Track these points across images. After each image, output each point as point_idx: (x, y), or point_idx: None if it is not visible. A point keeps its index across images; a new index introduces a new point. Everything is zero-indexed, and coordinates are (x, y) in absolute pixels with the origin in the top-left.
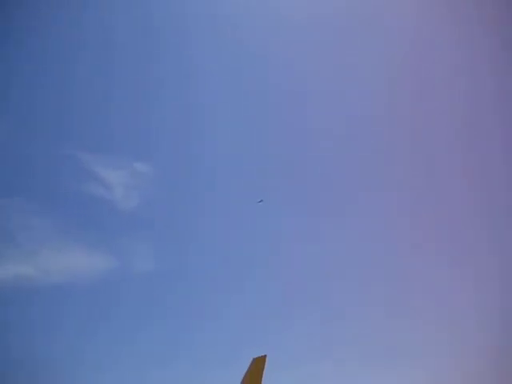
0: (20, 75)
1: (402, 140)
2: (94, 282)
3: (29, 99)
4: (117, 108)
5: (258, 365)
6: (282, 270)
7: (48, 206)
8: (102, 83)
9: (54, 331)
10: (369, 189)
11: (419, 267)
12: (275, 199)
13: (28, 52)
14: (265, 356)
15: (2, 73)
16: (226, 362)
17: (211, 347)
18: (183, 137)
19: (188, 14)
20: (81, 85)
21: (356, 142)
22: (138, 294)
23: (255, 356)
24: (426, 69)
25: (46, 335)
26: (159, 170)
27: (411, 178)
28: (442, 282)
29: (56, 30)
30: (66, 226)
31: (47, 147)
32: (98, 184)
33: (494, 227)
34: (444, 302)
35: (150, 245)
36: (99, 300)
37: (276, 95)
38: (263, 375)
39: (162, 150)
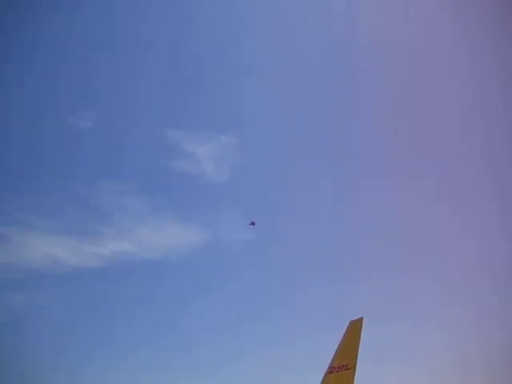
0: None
1: None
2: (190, 255)
3: (115, 84)
4: (200, 83)
5: (354, 327)
6: (363, 234)
7: (142, 185)
8: (184, 60)
9: (153, 304)
10: None
11: None
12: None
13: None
14: (361, 318)
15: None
16: (325, 325)
17: (310, 311)
18: (268, 106)
19: None
20: (165, 63)
21: None
22: (232, 265)
23: (352, 319)
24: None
25: (145, 308)
26: (246, 141)
27: None
28: None
29: None
30: (160, 202)
31: (138, 129)
32: (188, 160)
33: None
34: None
35: (242, 216)
36: (195, 272)
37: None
38: (360, 337)
39: (248, 121)
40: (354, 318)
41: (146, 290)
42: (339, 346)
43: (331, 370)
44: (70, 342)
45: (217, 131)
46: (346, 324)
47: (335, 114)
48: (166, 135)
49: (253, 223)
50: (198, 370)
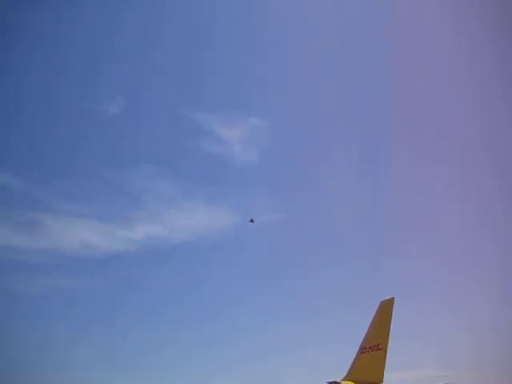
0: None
1: None
2: (221, 236)
3: (143, 70)
4: (228, 65)
5: (386, 307)
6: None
7: (172, 168)
8: (209, 41)
9: (187, 285)
10: None
11: None
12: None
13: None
14: (392, 298)
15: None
16: (356, 305)
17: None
18: (296, 88)
19: None
20: (190, 46)
21: None
22: (265, 245)
23: (383, 299)
24: None
25: (180, 290)
26: (274, 123)
27: None
28: None
29: None
30: (190, 185)
31: (167, 113)
32: (217, 142)
33: None
34: None
35: (271, 196)
36: (227, 254)
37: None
38: (392, 317)
39: (276, 103)
40: (385, 298)
41: (178, 273)
42: (370, 326)
43: (362, 350)
44: (106, 323)
45: (245, 113)
46: (377, 303)
47: (367, 95)
48: (194, 119)
49: (252, 220)
50: (244, 345)
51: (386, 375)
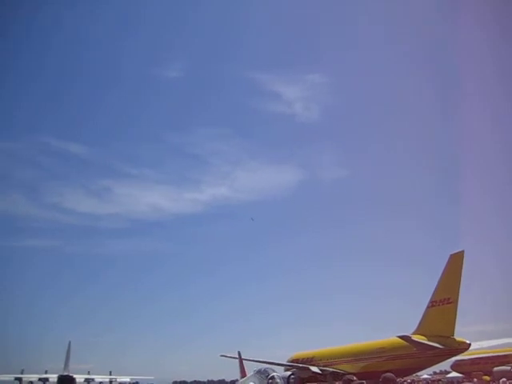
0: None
1: None
2: (285, 195)
3: (200, 32)
4: (286, 22)
5: (455, 260)
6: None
7: (235, 129)
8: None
9: (254, 243)
10: None
11: None
12: None
13: None
14: (462, 251)
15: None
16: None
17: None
18: (356, 41)
19: None
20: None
21: None
22: (329, 202)
23: (452, 252)
24: None
25: (246, 248)
26: (334, 79)
27: None
28: None
29: None
30: (254, 145)
31: (226, 74)
32: (279, 101)
33: None
34: None
35: (335, 153)
36: (292, 212)
37: None
38: (462, 271)
39: (335, 58)
40: (455, 251)
41: (245, 232)
42: (440, 280)
43: (432, 303)
44: (180, 283)
45: (305, 71)
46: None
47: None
48: (254, 78)
49: (252, 219)
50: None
51: (457, 328)
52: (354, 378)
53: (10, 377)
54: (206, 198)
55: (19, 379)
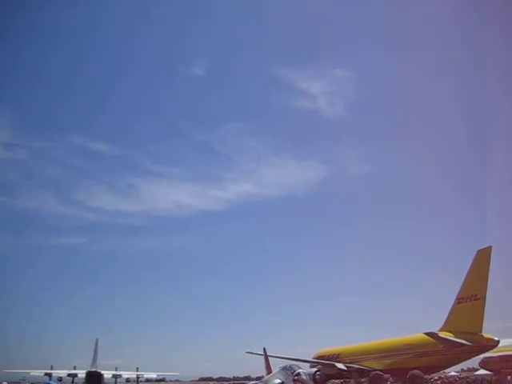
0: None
1: None
2: (310, 191)
3: (225, 29)
4: (310, 15)
5: (483, 256)
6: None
7: (259, 126)
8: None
9: (275, 240)
10: None
11: None
12: None
13: None
14: (490, 247)
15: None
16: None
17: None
18: (381, 36)
19: None
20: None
21: None
22: (354, 197)
23: (479, 248)
24: None
25: (269, 245)
26: (359, 74)
27: None
28: None
29: None
30: (279, 141)
31: (251, 70)
32: (302, 97)
33: None
34: None
35: (359, 148)
36: (316, 208)
37: None
38: (490, 266)
39: (359, 53)
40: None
41: (269, 228)
42: (467, 276)
43: (459, 300)
44: (206, 277)
45: (330, 65)
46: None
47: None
48: (277, 74)
49: None
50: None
51: (486, 325)
52: (383, 374)
53: (41, 372)
54: (231, 196)
55: (49, 375)
